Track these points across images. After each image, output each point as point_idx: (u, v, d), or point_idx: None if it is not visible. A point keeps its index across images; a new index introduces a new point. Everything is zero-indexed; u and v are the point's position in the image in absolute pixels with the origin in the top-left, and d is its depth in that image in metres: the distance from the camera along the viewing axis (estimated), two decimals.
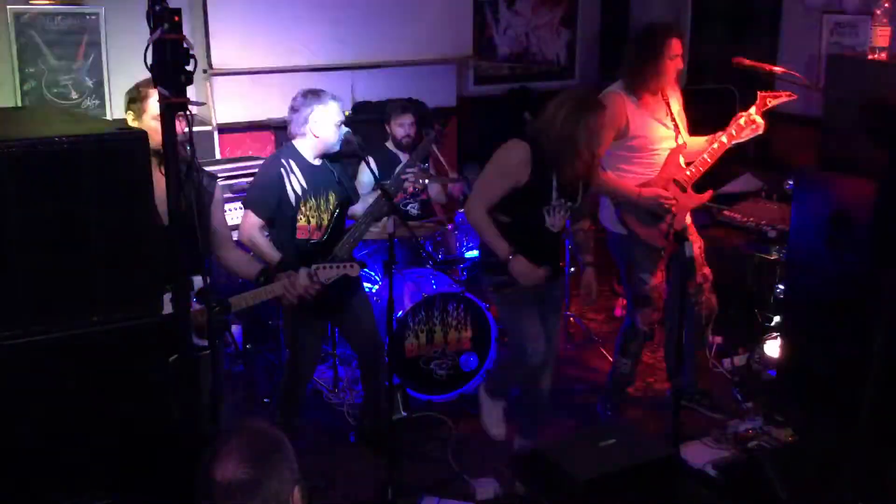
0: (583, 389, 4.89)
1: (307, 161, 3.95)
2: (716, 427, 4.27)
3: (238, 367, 5.04)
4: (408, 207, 5.40)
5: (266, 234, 3.97)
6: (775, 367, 4.81)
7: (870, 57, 4.15)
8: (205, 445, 1.88)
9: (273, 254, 3.86)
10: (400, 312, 4.55)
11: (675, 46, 4.13)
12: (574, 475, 3.18)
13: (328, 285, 3.70)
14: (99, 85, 5.39)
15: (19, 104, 5.14)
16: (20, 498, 2.34)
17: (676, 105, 4.34)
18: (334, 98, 3.96)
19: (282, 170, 3.89)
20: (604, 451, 3.35)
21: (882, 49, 4.10)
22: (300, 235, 3.94)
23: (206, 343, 3.15)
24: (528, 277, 3.76)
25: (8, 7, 5.07)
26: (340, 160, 4.11)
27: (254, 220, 3.90)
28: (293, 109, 3.94)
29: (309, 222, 3.94)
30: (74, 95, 5.33)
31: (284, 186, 3.89)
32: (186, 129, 2.39)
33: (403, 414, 4.44)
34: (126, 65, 5.32)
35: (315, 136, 3.91)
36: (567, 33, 7.14)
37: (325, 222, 3.97)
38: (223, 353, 4.88)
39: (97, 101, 5.42)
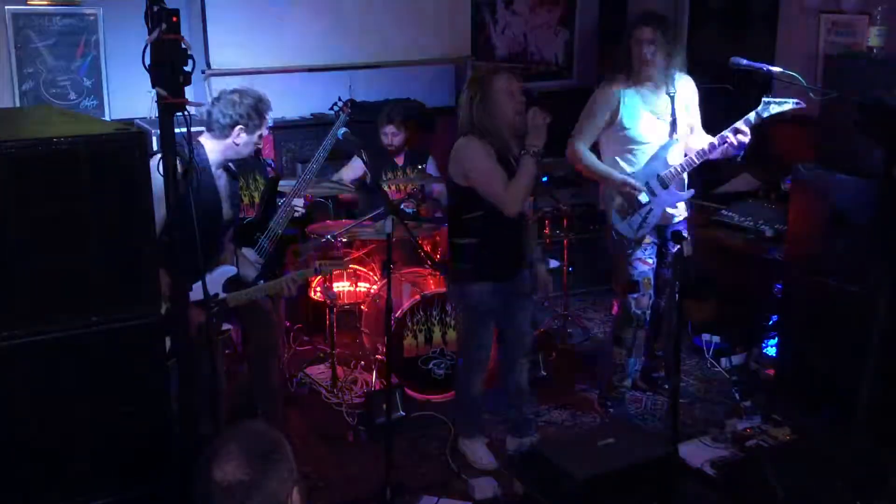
0: (582, 388, 4.89)
1: None
2: (714, 426, 4.27)
3: (240, 368, 5.02)
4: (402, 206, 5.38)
5: None
6: (773, 366, 4.81)
7: (866, 56, 4.16)
8: (204, 446, 1.88)
9: None
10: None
11: (643, 32, 4.16)
12: (573, 474, 3.19)
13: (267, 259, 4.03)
14: (97, 85, 5.39)
15: (17, 105, 5.14)
16: (20, 498, 2.34)
17: (686, 101, 4.33)
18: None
19: None
20: (602, 450, 3.35)
21: (879, 48, 4.11)
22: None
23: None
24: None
25: (6, 7, 5.07)
26: None
27: None
28: (236, 109, 3.63)
29: (243, 201, 4.12)
30: (73, 96, 5.33)
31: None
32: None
33: (402, 414, 4.44)
34: (124, 65, 5.32)
35: (237, 147, 3.69)
36: (565, 33, 7.13)
37: (257, 199, 4.15)
38: (223, 354, 4.88)
39: (95, 102, 5.42)
